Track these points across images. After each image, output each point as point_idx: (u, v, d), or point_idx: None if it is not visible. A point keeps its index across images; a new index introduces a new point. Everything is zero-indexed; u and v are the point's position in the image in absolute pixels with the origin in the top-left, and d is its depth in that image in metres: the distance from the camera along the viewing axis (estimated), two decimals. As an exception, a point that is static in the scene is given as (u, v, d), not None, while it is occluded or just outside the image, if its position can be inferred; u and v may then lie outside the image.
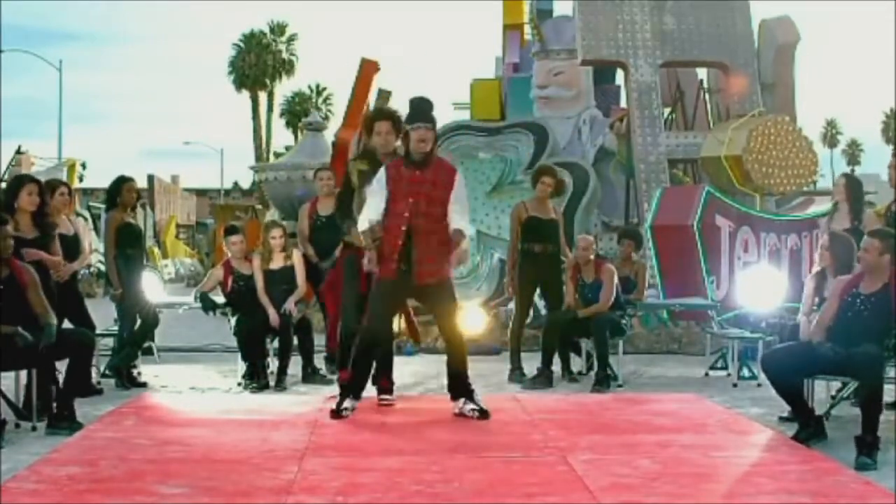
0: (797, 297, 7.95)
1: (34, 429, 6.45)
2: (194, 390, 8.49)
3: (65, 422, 6.38)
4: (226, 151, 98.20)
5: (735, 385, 8.64)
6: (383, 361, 7.22)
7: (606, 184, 13.72)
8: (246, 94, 56.32)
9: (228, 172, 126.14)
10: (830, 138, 78.82)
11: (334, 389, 7.40)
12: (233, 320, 8.71)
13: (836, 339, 6.08)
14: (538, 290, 9.24)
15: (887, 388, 6.34)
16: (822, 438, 6.10)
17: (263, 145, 54.63)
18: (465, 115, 16.62)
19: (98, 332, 8.30)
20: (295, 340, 8.68)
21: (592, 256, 8.99)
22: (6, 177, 23.80)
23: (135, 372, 8.76)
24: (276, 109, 58.19)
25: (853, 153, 79.89)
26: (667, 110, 14.96)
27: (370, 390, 7.08)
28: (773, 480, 5.10)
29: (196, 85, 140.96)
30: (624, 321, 8.98)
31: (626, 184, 13.68)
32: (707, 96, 15.25)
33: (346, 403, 6.66)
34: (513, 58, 16.74)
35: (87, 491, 4.79)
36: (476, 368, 6.81)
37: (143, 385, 8.57)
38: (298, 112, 55.60)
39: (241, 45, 56.58)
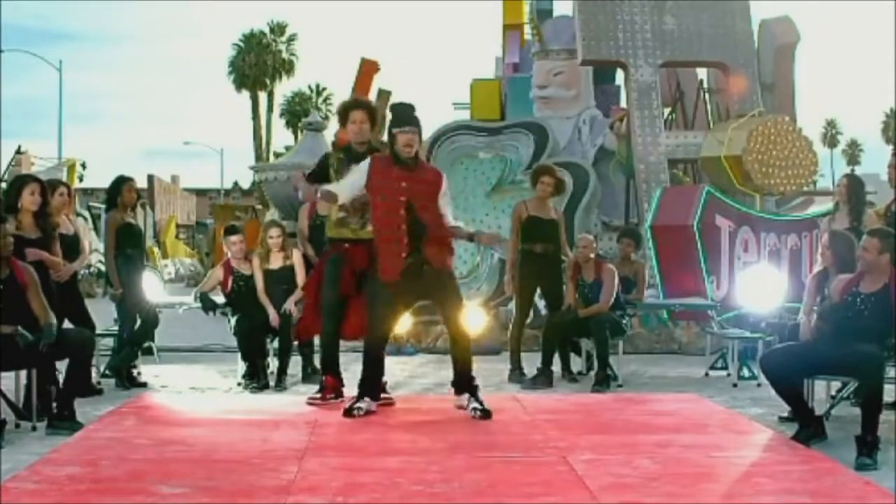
0: (797, 297, 7.96)
1: (34, 429, 6.46)
2: (194, 390, 8.50)
3: (65, 422, 6.38)
4: (226, 151, 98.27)
5: (735, 385, 8.65)
6: None
7: (606, 184, 13.70)
8: (246, 94, 56.44)
9: (228, 172, 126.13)
10: (830, 138, 78.72)
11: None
12: (233, 320, 8.71)
13: (836, 339, 6.09)
14: (538, 290, 9.24)
15: (887, 388, 6.35)
16: (822, 438, 6.10)
17: (263, 145, 54.68)
18: (465, 115, 16.59)
19: (98, 332, 8.30)
20: (295, 341, 8.66)
21: (593, 256, 8.99)
22: (6, 177, 23.80)
23: (135, 372, 8.77)
24: (276, 109, 58.31)
25: (853, 153, 79.78)
26: (667, 110, 14.97)
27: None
28: (773, 480, 5.10)
29: (196, 85, 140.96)
30: (624, 321, 8.99)
31: (626, 184, 13.68)
32: (707, 96, 15.25)
33: (361, 404, 6.64)
34: (513, 58, 16.75)
35: (87, 491, 4.79)
36: (476, 368, 6.80)
37: (143, 385, 8.58)
38: (298, 112, 55.63)
39: (241, 45, 56.65)
